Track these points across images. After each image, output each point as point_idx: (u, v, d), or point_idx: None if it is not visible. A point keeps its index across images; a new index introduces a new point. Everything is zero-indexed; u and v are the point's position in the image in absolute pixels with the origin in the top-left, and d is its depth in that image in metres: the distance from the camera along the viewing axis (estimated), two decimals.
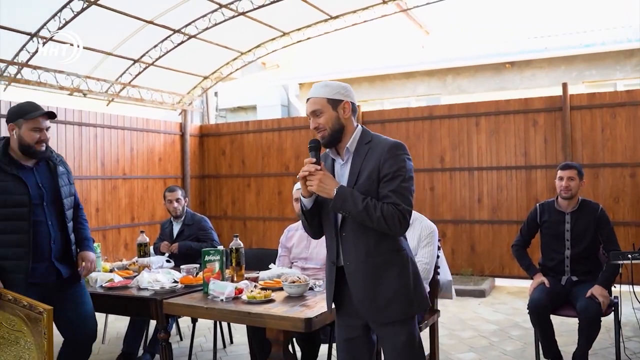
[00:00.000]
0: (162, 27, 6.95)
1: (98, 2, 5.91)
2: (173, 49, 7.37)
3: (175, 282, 3.44)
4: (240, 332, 5.12)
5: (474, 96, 11.02)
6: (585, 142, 6.77)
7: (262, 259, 4.09)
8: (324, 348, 3.77)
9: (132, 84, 7.84)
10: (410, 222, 3.66)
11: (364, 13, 7.25)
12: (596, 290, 3.65)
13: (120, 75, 7.66)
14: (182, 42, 7.30)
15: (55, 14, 6.03)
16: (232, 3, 6.67)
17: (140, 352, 4.44)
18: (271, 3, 6.56)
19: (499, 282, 7.26)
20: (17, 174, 2.91)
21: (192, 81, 8.70)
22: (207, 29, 7.07)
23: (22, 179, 2.90)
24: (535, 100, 7.12)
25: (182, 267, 3.68)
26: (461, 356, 4.46)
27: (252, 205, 8.83)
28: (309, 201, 2.38)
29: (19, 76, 6.55)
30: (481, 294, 6.59)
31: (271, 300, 2.93)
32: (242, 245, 3.44)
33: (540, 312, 3.73)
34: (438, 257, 3.83)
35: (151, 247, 4.72)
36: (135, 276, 3.67)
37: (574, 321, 3.81)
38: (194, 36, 7.23)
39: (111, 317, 5.25)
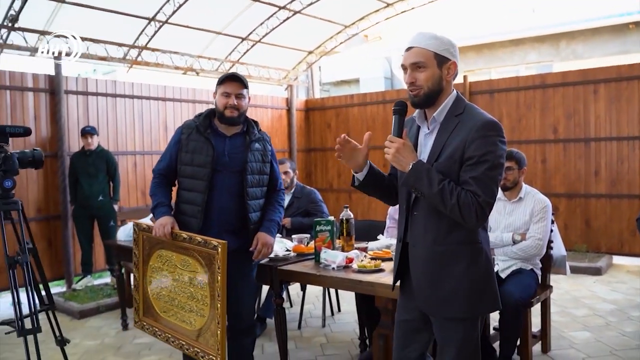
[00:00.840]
0: (268, 4, 7.13)
1: None
2: (279, 25, 7.55)
3: (288, 250, 3.61)
4: (347, 301, 5.27)
5: (591, 62, 10.30)
6: None
7: (369, 230, 4.16)
8: None
9: (241, 61, 8.14)
10: (522, 196, 3.66)
11: None
12: None
13: (230, 54, 7.99)
14: (288, 18, 7.45)
15: None
16: None
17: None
18: None
19: (617, 260, 6.85)
20: (209, 137, 2.98)
21: (297, 56, 8.87)
22: (311, 4, 7.16)
23: (212, 143, 2.97)
24: None
25: (293, 236, 3.85)
26: (575, 334, 4.30)
27: None
28: (360, 175, 2.20)
29: (139, 58, 7.05)
30: (597, 271, 6.26)
31: (381, 270, 2.99)
32: (352, 216, 3.52)
33: None
34: (551, 231, 3.71)
35: None
36: None
37: None
38: (299, 12, 7.35)
39: None
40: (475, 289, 2.04)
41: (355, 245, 3.48)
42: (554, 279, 5.14)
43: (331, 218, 3.52)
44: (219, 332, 2.67)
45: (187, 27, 6.93)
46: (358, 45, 13.99)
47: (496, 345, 3.56)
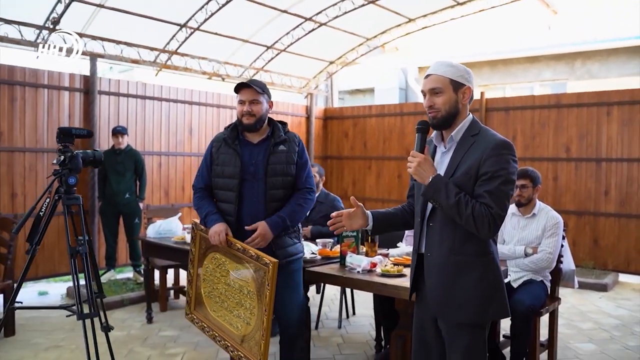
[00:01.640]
0: (295, 15, 7.38)
1: None
2: (304, 36, 7.81)
3: (314, 253, 3.84)
4: (362, 305, 5.50)
5: (606, 82, 10.47)
6: None
7: (388, 237, 4.39)
8: None
9: (265, 68, 8.41)
10: (536, 212, 3.89)
11: None
12: None
13: (254, 61, 8.26)
14: (313, 29, 7.71)
15: (203, 7, 6.66)
16: None
17: None
18: None
19: (623, 277, 7.04)
20: (236, 148, 3.06)
21: (318, 66, 9.13)
22: (337, 17, 7.42)
23: (239, 153, 3.05)
24: None
25: (317, 240, 4.09)
26: (580, 346, 4.51)
27: (372, 186, 9.18)
28: (369, 227, 2.45)
29: (169, 62, 7.33)
30: (603, 287, 6.46)
31: (403, 275, 3.21)
32: None
33: None
34: (562, 246, 3.92)
35: None
36: None
37: None
38: (325, 24, 7.61)
39: None
40: (486, 296, 2.19)
41: (378, 252, 3.72)
42: (562, 294, 5.35)
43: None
44: (262, 343, 2.78)
45: (217, 34, 7.21)
46: (375, 55, 14.19)
47: (506, 352, 3.78)
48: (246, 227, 3.02)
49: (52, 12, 5.83)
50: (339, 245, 3.65)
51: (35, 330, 4.75)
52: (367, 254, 3.65)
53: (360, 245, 3.70)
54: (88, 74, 6.51)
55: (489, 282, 2.21)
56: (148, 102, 7.21)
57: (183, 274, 5.72)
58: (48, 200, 3.03)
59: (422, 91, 2.29)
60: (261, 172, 3.03)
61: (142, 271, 5.52)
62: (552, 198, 7.36)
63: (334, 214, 2.44)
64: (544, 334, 4.06)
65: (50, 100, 6.22)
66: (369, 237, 3.67)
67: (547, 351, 4.05)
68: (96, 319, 3.10)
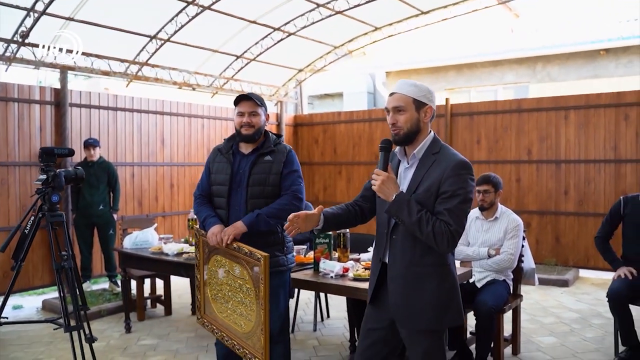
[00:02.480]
0: (264, 25, 7.54)
1: (211, 7, 6.57)
2: (273, 45, 7.97)
3: None
4: (335, 308, 5.67)
5: (565, 84, 10.89)
6: None
7: (359, 242, 4.59)
8: None
9: (234, 78, 8.54)
10: (498, 215, 4.13)
11: (455, 8, 7.51)
12: None
13: (224, 70, 8.37)
14: (282, 39, 7.87)
15: (173, 18, 6.75)
16: (329, 2, 7.14)
17: None
18: (366, 2, 6.99)
19: (583, 273, 7.38)
20: (228, 157, 3.21)
21: (288, 74, 9.29)
22: (305, 27, 7.60)
23: (230, 163, 3.19)
24: (627, 94, 7.11)
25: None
26: (542, 339, 4.77)
27: (343, 191, 9.38)
28: (318, 228, 2.51)
29: (139, 74, 7.39)
30: (564, 283, 6.77)
31: None
32: (348, 230, 3.94)
33: (619, 300, 3.95)
34: (522, 246, 4.17)
35: None
36: None
37: None
38: (293, 34, 7.78)
39: None
40: (443, 304, 2.33)
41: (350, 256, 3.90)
42: (525, 290, 5.64)
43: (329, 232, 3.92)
44: (262, 338, 2.88)
45: (187, 45, 7.30)
46: (343, 60, 14.42)
47: (473, 348, 4.00)
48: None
49: (20, 25, 5.85)
50: (312, 252, 3.81)
51: (12, 345, 4.78)
52: (339, 259, 3.82)
53: (332, 251, 3.88)
54: (59, 86, 6.54)
55: (446, 291, 2.34)
56: (120, 114, 7.26)
57: (160, 283, 5.81)
58: (33, 218, 3.12)
59: (386, 108, 2.39)
60: (244, 182, 3.15)
61: (119, 282, 5.58)
62: (515, 199, 7.67)
63: (291, 215, 2.43)
64: (508, 330, 4.31)
65: (20, 113, 6.24)
66: (342, 243, 3.84)
67: (510, 345, 4.30)
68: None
